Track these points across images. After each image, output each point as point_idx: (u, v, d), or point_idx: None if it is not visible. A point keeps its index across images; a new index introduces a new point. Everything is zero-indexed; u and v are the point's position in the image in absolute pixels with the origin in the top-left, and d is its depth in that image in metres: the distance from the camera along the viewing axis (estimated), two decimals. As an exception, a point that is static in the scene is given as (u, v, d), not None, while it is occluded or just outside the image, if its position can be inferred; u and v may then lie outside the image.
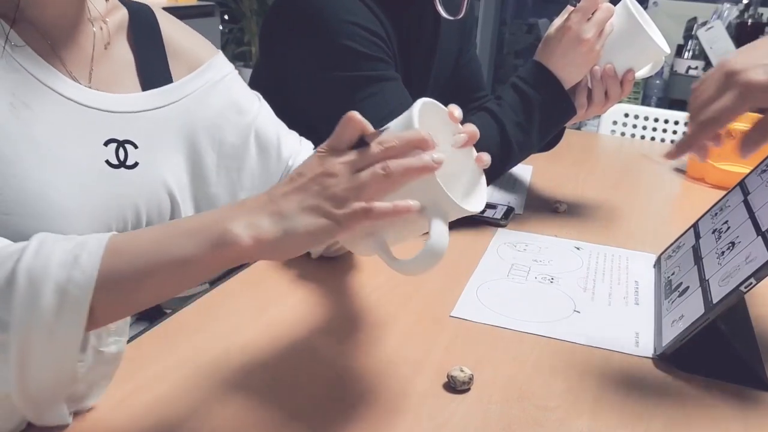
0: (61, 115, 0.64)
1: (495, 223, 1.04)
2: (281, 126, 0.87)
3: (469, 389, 0.62)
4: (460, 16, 1.09)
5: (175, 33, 0.79)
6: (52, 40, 0.66)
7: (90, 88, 0.68)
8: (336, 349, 0.68)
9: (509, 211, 1.07)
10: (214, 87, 0.79)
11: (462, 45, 1.21)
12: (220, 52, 0.83)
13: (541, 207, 1.13)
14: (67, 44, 0.67)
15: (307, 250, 0.52)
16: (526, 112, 0.97)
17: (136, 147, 0.70)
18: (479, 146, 0.98)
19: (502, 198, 1.16)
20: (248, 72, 2.41)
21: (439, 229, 0.52)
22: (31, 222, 0.60)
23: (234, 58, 3.77)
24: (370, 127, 0.52)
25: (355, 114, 0.51)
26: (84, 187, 0.64)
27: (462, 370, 0.62)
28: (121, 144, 0.68)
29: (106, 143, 0.67)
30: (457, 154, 0.58)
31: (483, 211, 1.06)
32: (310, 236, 0.49)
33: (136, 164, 0.69)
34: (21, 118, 0.61)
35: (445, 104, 0.57)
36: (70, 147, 0.64)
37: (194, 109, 0.76)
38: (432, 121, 0.55)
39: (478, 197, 0.58)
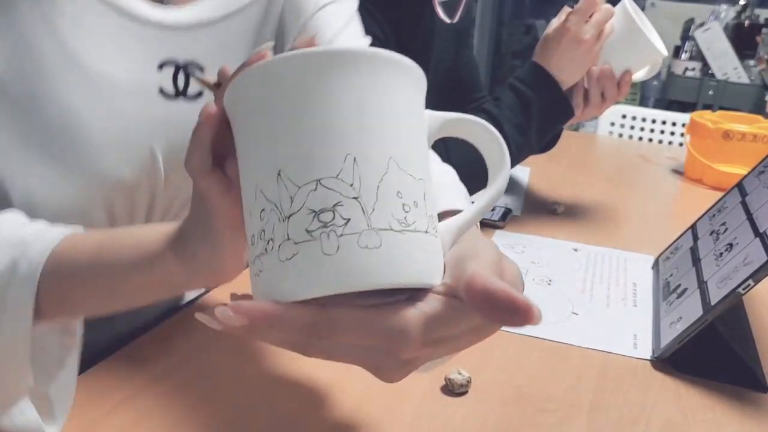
0: (102, 27, 0.51)
1: (492, 225, 1.04)
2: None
3: (466, 392, 0.62)
4: (455, 20, 1.09)
5: None
6: None
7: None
8: (333, 351, 0.67)
9: (507, 213, 1.07)
10: None
11: (459, 46, 1.21)
12: None
13: (539, 208, 1.13)
14: None
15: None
16: (524, 113, 0.97)
17: (202, 70, 0.55)
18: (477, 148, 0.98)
19: (499, 200, 1.16)
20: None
21: None
22: (56, 144, 0.49)
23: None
24: None
25: None
26: (123, 118, 0.51)
27: (460, 373, 0.62)
28: (181, 67, 0.54)
29: (161, 66, 0.54)
30: None
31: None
32: None
33: (199, 94, 0.55)
34: (43, 13, 0.48)
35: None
36: (109, 65, 0.51)
37: (271, 11, 0.61)
38: None
39: None
